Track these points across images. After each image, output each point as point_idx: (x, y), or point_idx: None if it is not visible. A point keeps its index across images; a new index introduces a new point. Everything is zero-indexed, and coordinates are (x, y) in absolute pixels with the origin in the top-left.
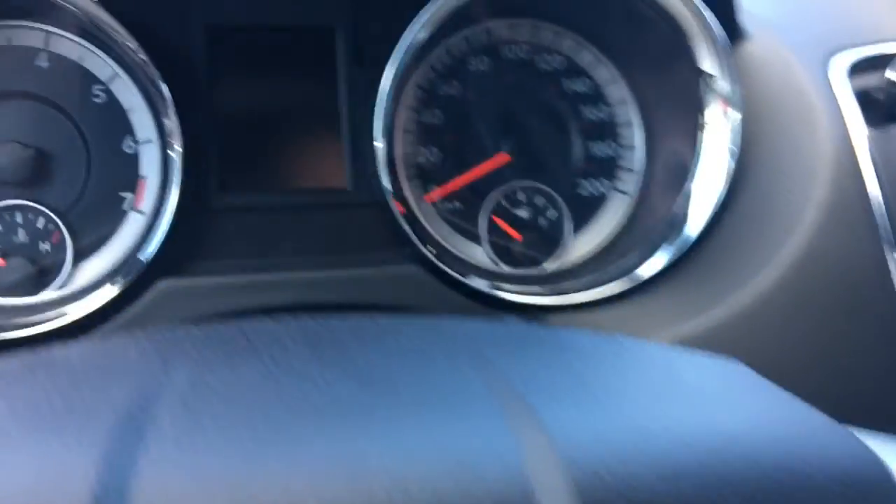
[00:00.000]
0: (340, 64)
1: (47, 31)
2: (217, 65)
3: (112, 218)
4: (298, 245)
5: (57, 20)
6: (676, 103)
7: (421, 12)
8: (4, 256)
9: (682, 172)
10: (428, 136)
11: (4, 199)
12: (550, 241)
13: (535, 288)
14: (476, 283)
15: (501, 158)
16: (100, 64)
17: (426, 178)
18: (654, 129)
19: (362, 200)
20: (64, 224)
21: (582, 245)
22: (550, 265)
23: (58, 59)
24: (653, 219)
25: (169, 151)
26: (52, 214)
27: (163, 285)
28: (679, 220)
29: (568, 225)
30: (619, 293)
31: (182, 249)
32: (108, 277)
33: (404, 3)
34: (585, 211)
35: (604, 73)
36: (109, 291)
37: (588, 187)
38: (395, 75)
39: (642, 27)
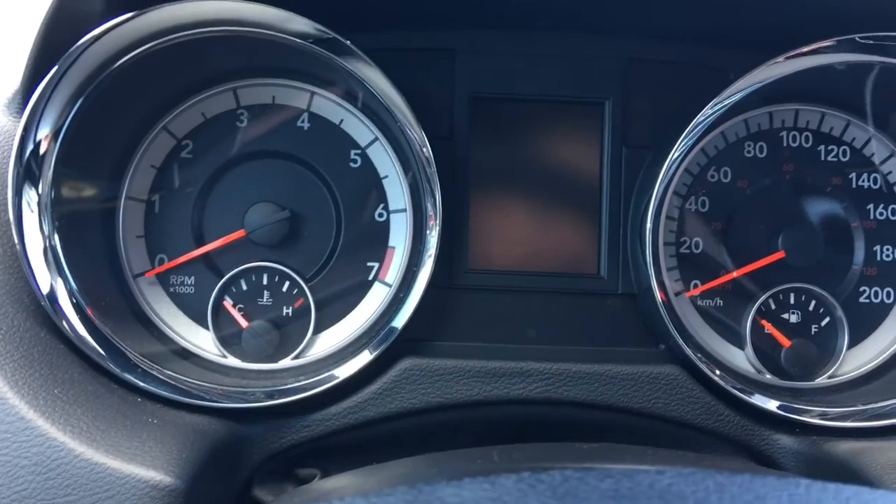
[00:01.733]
0: (606, 141)
1: (312, 92)
2: (478, 136)
3: (356, 287)
4: (544, 332)
5: (323, 81)
6: None
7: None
8: (248, 319)
9: None
10: (692, 224)
11: (253, 259)
12: (822, 350)
13: (806, 403)
14: (748, 395)
15: (776, 256)
16: (360, 128)
17: (687, 270)
18: None
19: (616, 289)
20: (309, 290)
21: (857, 358)
22: (819, 378)
23: (318, 121)
24: None
25: (430, 221)
26: (298, 279)
27: (407, 364)
28: None
29: (843, 334)
30: None
31: (427, 327)
32: (351, 350)
33: (681, 82)
34: (864, 321)
35: None
36: (354, 366)
37: (870, 295)
38: (670, 159)
39: None
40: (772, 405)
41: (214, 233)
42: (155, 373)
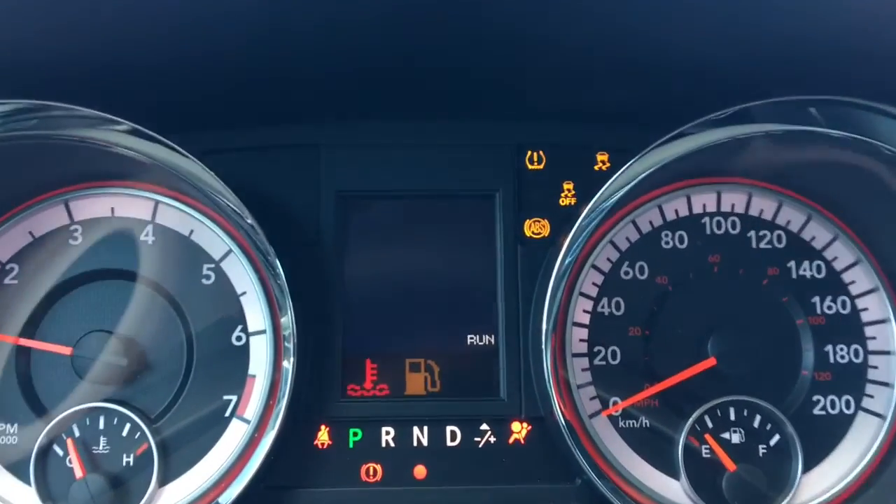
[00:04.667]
0: (499, 238)
1: (156, 201)
2: (348, 240)
3: (210, 426)
4: (437, 470)
5: (166, 186)
6: None
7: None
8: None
9: None
10: (607, 331)
11: (88, 399)
12: (773, 476)
13: None
14: None
15: (706, 364)
16: (213, 239)
17: (604, 385)
18: None
19: (518, 413)
20: (152, 433)
21: (816, 484)
22: None
23: (165, 233)
24: None
25: (286, 344)
26: (139, 422)
27: None
28: None
29: (797, 455)
30: None
31: (293, 471)
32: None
33: (580, 166)
34: (821, 437)
35: (844, 252)
36: None
37: (825, 405)
38: (567, 255)
39: None
40: None
41: (43, 370)
42: None
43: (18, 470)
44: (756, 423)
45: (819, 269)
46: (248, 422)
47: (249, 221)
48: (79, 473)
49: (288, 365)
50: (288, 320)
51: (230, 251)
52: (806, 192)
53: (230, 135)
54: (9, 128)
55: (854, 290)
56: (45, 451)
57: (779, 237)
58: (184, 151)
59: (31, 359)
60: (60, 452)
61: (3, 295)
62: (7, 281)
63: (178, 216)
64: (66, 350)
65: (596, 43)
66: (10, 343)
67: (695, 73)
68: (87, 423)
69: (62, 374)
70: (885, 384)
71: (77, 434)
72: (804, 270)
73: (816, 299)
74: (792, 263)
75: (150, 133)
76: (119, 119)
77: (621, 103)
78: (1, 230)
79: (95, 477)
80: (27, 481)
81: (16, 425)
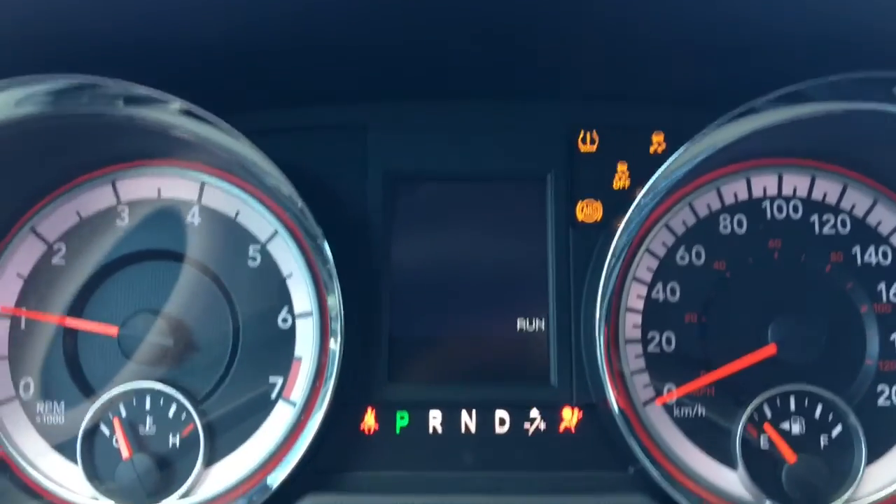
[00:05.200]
0: (550, 222)
1: (202, 182)
2: (396, 223)
3: (256, 408)
4: (485, 456)
5: (213, 166)
6: None
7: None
8: (126, 450)
9: None
10: (661, 317)
11: (134, 379)
12: (835, 468)
13: None
14: None
15: (766, 351)
16: (259, 220)
17: (658, 372)
18: None
19: (570, 399)
20: (198, 414)
21: (880, 476)
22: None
23: (211, 215)
24: None
25: (333, 327)
26: (186, 403)
27: (309, 502)
28: None
29: (860, 447)
30: None
31: (338, 454)
32: (245, 487)
33: (634, 148)
34: (886, 428)
35: None
36: None
37: (890, 395)
38: (621, 239)
39: None
40: None
41: (90, 351)
42: None
43: (66, 449)
44: (818, 414)
45: (885, 255)
46: (294, 404)
47: (300, 205)
48: (125, 454)
49: (335, 347)
50: (335, 302)
51: (276, 233)
52: (872, 174)
53: (276, 115)
54: (60, 105)
55: None
56: (92, 431)
57: (843, 222)
58: (236, 132)
59: (78, 339)
60: (107, 432)
61: (51, 274)
62: (55, 261)
63: (224, 197)
64: (113, 330)
65: (652, 20)
66: (58, 323)
67: (754, 51)
68: (134, 403)
69: (109, 355)
70: None
71: (124, 414)
72: (870, 257)
73: (882, 286)
74: (857, 249)
75: (201, 112)
76: (170, 97)
77: (678, 83)
78: (49, 209)
79: (142, 457)
80: (74, 460)
81: (63, 404)
